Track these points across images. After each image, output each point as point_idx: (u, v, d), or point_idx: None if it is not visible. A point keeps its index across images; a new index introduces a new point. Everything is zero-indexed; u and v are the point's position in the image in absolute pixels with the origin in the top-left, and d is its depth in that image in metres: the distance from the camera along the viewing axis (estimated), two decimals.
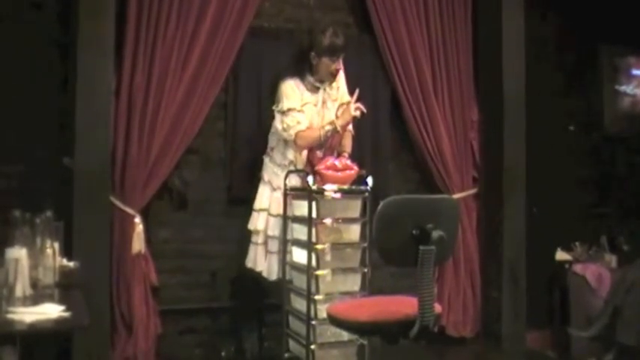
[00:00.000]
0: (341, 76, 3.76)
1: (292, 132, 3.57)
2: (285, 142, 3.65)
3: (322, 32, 3.57)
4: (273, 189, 3.67)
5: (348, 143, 3.78)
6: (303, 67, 3.64)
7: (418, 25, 4.33)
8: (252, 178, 3.83)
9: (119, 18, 3.63)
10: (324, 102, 3.69)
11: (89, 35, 3.52)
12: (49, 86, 3.64)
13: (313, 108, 3.66)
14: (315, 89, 3.68)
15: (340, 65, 3.64)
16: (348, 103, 3.75)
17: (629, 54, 5.02)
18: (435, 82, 4.38)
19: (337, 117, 3.65)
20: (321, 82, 3.67)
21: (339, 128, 3.58)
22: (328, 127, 3.57)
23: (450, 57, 4.42)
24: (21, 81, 3.57)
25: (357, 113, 3.57)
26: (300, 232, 3.49)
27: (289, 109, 3.59)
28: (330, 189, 3.39)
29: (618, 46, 4.94)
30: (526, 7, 4.42)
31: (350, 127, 3.79)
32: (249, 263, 3.72)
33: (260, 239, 3.69)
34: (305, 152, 3.63)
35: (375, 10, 4.23)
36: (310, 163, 3.61)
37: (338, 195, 3.41)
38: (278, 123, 3.63)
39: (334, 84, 3.73)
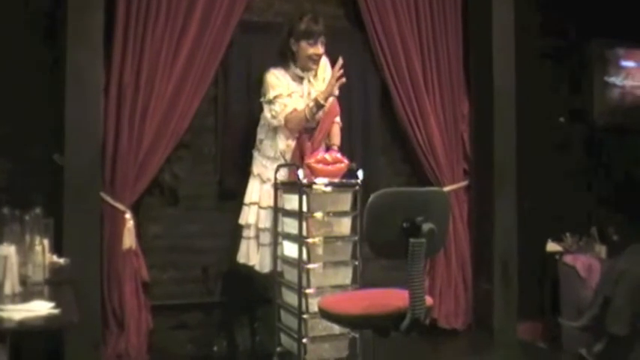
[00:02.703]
0: (327, 68, 3.76)
1: (281, 117, 3.59)
2: (275, 132, 3.66)
3: (300, 18, 3.64)
4: (263, 182, 3.68)
5: (337, 136, 3.78)
6: (286, 56, 3.67)
7: (408, 18, 4.33)
8: (243, 173, 3.82)
9: (108, 14, 3.61)
10: (309, 93, 3.69)
11: (78, 31, 3.50)
12: (39, 82, 3.62)
13: (299, 99, 3.66)
14: (299, 79, 3.69)
15: (320, 50, 3.64)
16: (334, 96, 3.74)
17: (619, 45, 5.03)
18: (426, 75, 4.38)
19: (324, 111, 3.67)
20: (304, 70, 3.68)
21: (322, 102, 3.55)
22: (312, 104, 3.55)
23: (440, 50, 4.42)
24: (9, 77, 3.55)
25: (341, 81, 3.52)
26: (290, 225, 3.49)
27: (276, 97, 3.62)
28: (320, 182, 3.39)
29: (608, 38, 4.95)
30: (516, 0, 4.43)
31: (338, 119, 3.79)
32: (241, 258, 3.72)
33: (252, 233, 3.69)
34: (294, 142, 3.62)
35: (365, 3, 4.22)
36: (300, 153, 3.60)
37: (328, 188, 3.41)
38: (267, 112, 3.64)
39: (320, 75, 3.73)
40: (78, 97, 3.51)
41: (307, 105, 3.58)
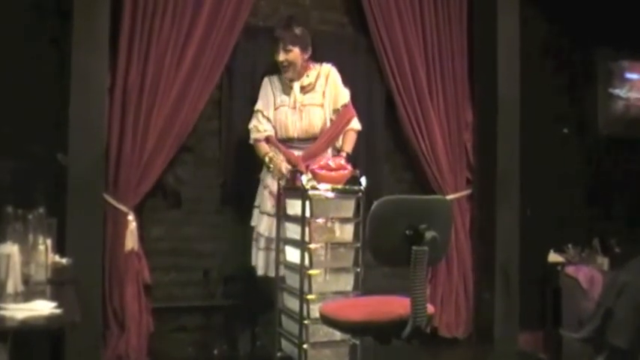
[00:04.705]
0: (330, 80, 3.76)
1: (252, 137, 3.72)
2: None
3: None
4: (264, 187, 3.71)
5: (348, 143, 3.78)
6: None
7: (413, 26, 4.34)
8: (246, 177, 3.83)
9: (114, 16, 3.63)
10: (307, 105, 3.70)
11: (84, 32, 3.52)
12: (44, 83, 3.63)
13: (289, 110, 3.71)
14: (290, 90, 3.73)
15: (281, 56, 3.66)
16: (344, 106, 3.77)
17: (623, 57, 5.04)
18: (430, 83, 4.38)
19: (332, 120, 3.73)
20: (291, 80, 3.72)
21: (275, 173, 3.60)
22: (267, 159, 3.63)
23: (445, 58, 4.43)
24: (15, 77, 3.55)
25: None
26: (292, 231, 3.49)
27: (257, 111, 3.73)
28: (323, 188, 3.39)
29: (612, 50, 4.95)
30: (521, 10, 4.44)
31: (355, 124, 3.81)
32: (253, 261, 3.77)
33: (255, 235, 3.74)
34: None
35: (371, 10, 4.23)
36: (292, 163, 3.62)
37: (330, 194, 3.40)
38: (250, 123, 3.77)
39: (320, 88, 3.74)
40: (82, 97, 3.52)
41: (268, 155, 3.63)
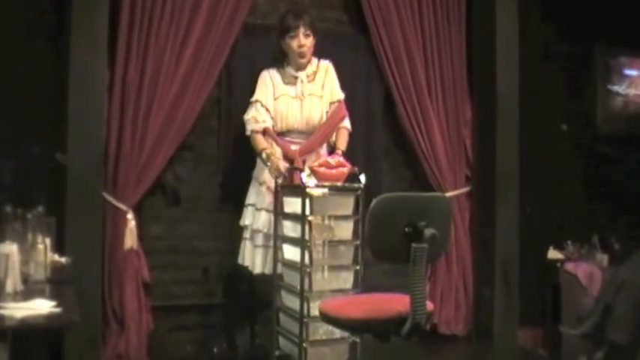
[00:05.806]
0: (329, 74, 3.77)
1: (249, 128, 3.68)
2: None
3: (282, 17, 3.71)
4: (259, 184, 3.69)
5: (342, 141, 3.76)
6: (279, 57, 3.73)
7: (412, 24, 4.33)
8: (245, 175, 3.82)
9: (112, 13, 3.62)
10: (309, 95, 3.70)
11: (82, 30, 3.51)
12: (42, 81, 3.62)
13: (290, 100, 3.68)
14: (294, 79, 3.70)
15: (302, 40, 3.64)
16: (339, 100, 3.77)
17: (622, 54, 5.04)
18: (429, 81, 4.38)
19: (327, 114, 3.73)
20: (298, 69, 3.70)
21: (274, 171, 3.52)
22: (264, 155, 3.56)
23: (443, 56, 4.43)
24: (13, 76, 3.55)
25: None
26: (290, 228, 3.49)
27: (256, 101, 3.70)
28: (322, 185, 3.37)
29: (611, 46, 4.95)
30: (520, 7, 4.44)
31: (347, 123, 3.79)
32: (239, 259, 3.73)
33: (247, 234, 3.71)
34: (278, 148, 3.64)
35: (370, 8, 4.23)
36: (289, 159, 3.60)
37: (326, 190, 3.37)
38: (246, 114, 3.73)
39: (319, 80, 3.74)
40: (81, 96, 3.51)
41: (265, 151, 3.58)
